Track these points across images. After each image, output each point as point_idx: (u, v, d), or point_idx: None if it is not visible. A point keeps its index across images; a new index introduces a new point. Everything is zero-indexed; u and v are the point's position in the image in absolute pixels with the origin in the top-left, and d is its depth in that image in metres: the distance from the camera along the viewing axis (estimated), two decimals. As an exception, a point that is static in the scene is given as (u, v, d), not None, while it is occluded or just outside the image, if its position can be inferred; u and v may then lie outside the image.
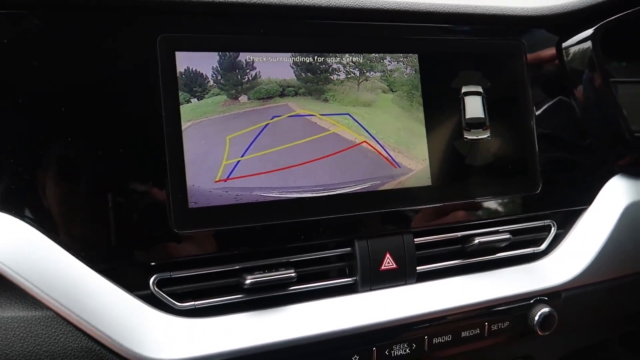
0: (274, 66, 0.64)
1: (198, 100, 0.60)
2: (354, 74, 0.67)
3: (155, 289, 0.58)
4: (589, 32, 0.80)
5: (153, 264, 0.58)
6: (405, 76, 0.69)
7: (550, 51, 0.80)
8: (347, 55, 0.66)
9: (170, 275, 0.58)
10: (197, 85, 0.60)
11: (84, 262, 0.54)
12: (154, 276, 0.58)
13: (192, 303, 0.59)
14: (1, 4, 0.52)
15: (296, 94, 0.64)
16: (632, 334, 1.03)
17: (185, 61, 0.59)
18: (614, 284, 0.81)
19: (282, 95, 0.64)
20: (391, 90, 0.68)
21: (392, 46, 0.69)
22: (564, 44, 0.81)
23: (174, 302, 0.58)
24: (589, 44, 0.80)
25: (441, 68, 0.71)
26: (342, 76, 0.67)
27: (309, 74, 0.65)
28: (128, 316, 0.55)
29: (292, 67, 0.64)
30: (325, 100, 0.66)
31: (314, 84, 0.65)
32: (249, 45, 0.62)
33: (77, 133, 0.55)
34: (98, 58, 0.56)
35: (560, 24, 0.80)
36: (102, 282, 0.55)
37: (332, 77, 0.66)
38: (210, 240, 0.59)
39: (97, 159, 0.55)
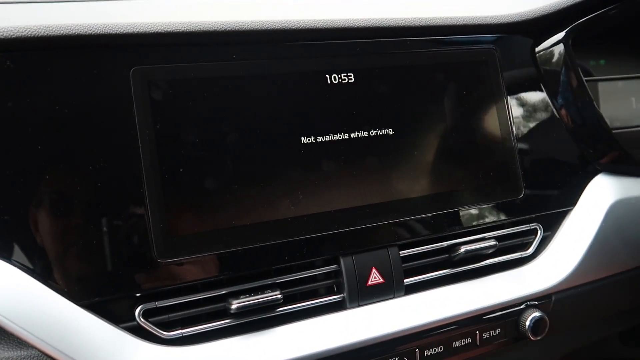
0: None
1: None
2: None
3: (141, 319, 0.58)
4: (561, 35, 0.81)
5: (138, 294, 0.58)
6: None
7: (525, 56, 0.81)
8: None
9: (156, 304, 0.58)
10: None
11: (67, 298, 0.54)
12: (139, 307, 0.58)
13: (180, 331, 0.59)
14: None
15: None
16: (631, 330, 1.03)
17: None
18: (604, 283, 0.81)
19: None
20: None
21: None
22: (537, 48, 0.82)
23: (161, 331, 0.58)
24: (561, 46, 0.81)
25: (417, 81, 0.72)
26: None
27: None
28: (115, 350, 0.55)
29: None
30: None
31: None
32: (218, 71, 0.62)
33: (55, 169, 0.55)
34: (74, 95, 0.56)
35: (533, 29, 0.81)
36: (87, 317, 0.55)
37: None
38: (194, 267, 0.59)
39: (76, 194, 0.56)
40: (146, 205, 0.57)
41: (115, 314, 0.57)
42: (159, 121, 0.59)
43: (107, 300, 0.56)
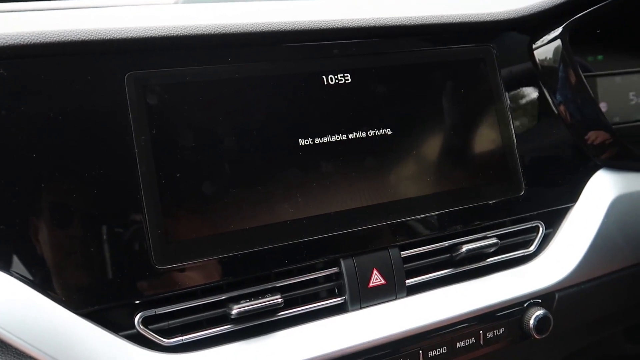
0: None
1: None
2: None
3: (141, 327, 0.57)
4: (558, 31, 0.81)
5: (137, 302, 0.57)
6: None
7: (522, 53, 0.81)
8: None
9: (155, 311, 0.58)
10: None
11: (65, 308, 0.53)
12: (138, 314, 0.57)
13: (180, 338, 0.58)
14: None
15: None
16: (637, 326, 1.02)
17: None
18: (608, 280, 0.80)
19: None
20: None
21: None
22: (535, 45, 0.81)
23: (161, 338, 0.58)
24: (558, 42, 0.81)
25: (414, 81, 0.72)
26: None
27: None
28: (115, 358, 0.55)
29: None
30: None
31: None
32: (214, 74, 0.62)
33: (51, 178, 0.55)
34: (69, 102, 0.56)
35: (529, 25, 0.80)
36: (86, 326, 0.54)
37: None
38: (193, 273, 0.59)
39: (72, 202, 0.55)
40: (143, 211, 0.57)
41: (114, 322, 0.56)
42: (155, 126, 0.58)
43: (106, 308, 0.56)
